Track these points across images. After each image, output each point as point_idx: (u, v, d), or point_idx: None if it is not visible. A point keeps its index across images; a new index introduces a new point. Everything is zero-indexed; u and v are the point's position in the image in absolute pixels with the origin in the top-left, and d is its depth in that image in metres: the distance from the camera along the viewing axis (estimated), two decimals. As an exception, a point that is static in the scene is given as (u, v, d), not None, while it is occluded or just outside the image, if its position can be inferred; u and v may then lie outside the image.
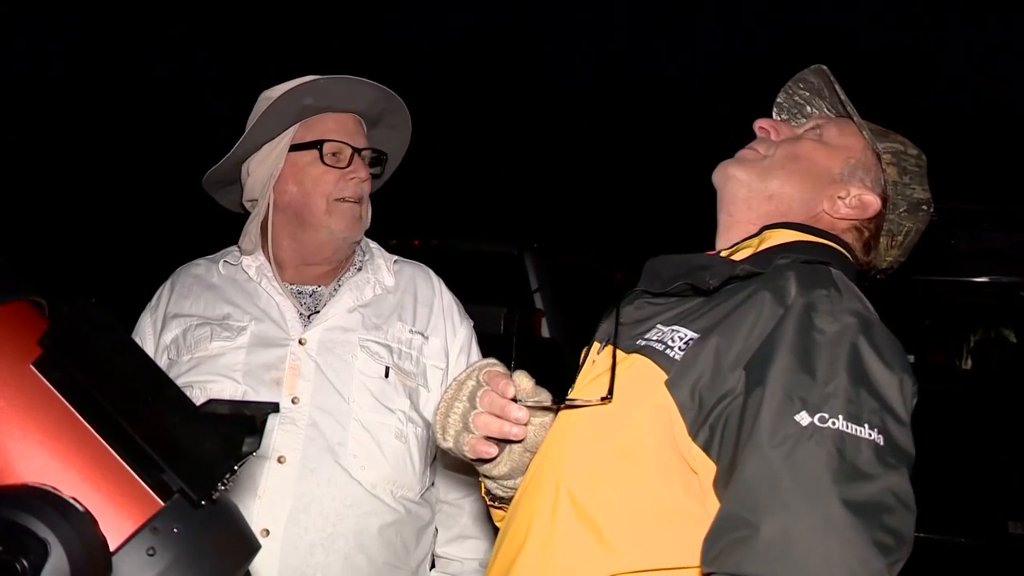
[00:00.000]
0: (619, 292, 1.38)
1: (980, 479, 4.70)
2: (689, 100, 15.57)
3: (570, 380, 1.33)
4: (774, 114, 1.57)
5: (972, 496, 4.61)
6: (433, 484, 1.91)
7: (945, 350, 5.86)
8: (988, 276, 5.43)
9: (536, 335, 5.44)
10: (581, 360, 1.40)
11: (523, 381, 1.30)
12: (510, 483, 1.36)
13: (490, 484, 1.40)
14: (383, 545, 1.75)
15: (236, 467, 0.79)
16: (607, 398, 1.18)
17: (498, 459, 1.32)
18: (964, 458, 4.65)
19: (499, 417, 1.26)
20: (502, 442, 1.30)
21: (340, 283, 1.90)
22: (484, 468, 1.35)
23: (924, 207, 1.39)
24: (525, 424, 1.27)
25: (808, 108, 1.55)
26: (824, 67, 1.47)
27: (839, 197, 1.36)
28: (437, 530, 1.93)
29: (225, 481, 0.79)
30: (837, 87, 1.43)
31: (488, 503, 1.45)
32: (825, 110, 1.54)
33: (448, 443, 1.30)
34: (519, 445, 1.31)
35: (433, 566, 1.94)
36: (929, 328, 5.56)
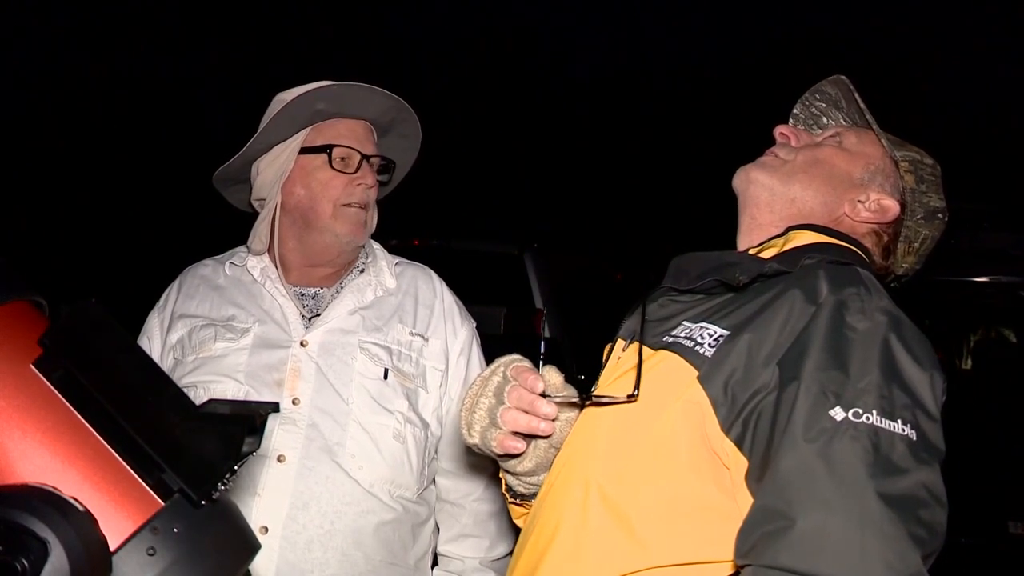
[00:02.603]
0: (645, 290, 1.38)
1: (980, 479, 4.69)
2: (689, 101, 15.57)
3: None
4: (791, 124, 1.58)
5: (972, 496, 4.60)
6: (433, 482, 1.91)
7: (945, 350, 5.86)
8: (988, 276, 5.43)
9: (536, 335, 5.43)
10: (604, 357, 1.41)
11: (552, 376, 1.30)
12: (533, 479, 1.36)
13: (512, 480, 1.39)
14: (380, 542, 1.76)
15: (236, 467, 0.79)
16: (634, 395, 1.19)
17: (523, 455, 1.31)
18: (964, 458, 4.64)
19: (527, 413, 1.26)
20: (528, 437, 1.29)
21: (342, 285, 1.91)
22: (508, 464, 1.34)
23: (939, 215, 1.43)
24: (553, 420, 1.26)
25: (824, 119, 1.57)
26: (844, 77, 1.49)
27: (859, 201, 1.38)
28: (437, 528, 1.94)
29: (225, 481, 0.79)
30: (857, 96, 1.45)
31: (508, 500, 1.45)
32: (842, 121, 1.55)
33: (474, 439, 1.28)
34: (544, 441, 1.31)
35: (435, 564, 1.94)
36: (929, 328, 5.55)
